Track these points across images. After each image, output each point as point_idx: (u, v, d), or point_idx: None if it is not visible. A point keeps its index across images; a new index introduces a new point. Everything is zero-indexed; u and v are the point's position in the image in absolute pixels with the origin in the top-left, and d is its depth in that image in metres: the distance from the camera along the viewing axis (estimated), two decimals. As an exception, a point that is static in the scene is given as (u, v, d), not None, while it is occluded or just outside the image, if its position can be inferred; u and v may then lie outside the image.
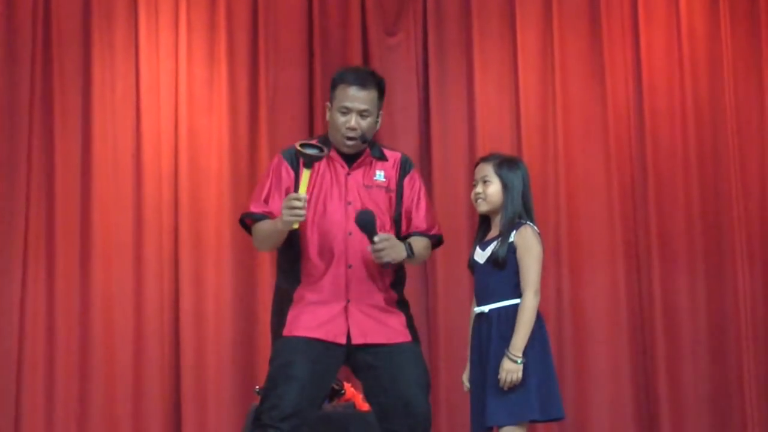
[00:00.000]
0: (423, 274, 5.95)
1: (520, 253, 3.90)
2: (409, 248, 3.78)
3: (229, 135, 5.85)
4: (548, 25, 6.11)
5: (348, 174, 3.82)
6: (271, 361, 3.79)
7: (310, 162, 3.65)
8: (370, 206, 3.77)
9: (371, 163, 3.88)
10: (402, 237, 3.87)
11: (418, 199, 3.91)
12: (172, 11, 5.87)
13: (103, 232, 5.70)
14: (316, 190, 3.80)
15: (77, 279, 5.66)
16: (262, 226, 3.80)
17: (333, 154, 3.84)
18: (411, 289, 5.88)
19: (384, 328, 3.78)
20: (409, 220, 3.91)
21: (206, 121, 5.86)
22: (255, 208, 3.84)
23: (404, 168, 3.93)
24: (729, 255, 6.03)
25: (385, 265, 3.70)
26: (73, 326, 5.63)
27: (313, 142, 3.76)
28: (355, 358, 3.78)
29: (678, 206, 6.06)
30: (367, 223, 3.69)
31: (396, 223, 3.89)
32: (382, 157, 3.91)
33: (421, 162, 5.99)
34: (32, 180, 5.69)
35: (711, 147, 6.12)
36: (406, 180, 3.91)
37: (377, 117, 3.89)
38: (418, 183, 3.94)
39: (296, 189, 3.71)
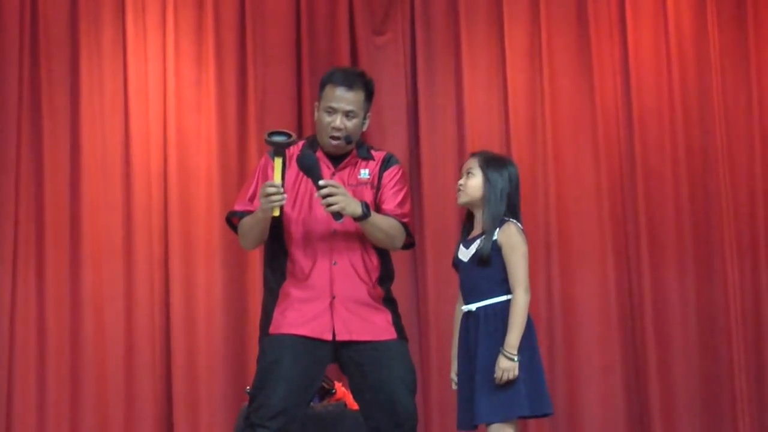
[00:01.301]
0: (413, 273, 5.96)
1: (506, 252, 3.91)
2: (366, 208, 3.72)
3: (218, 135, 5.85)
4: (536, 24, 6.12)
5: (333, 174, 3.82)
6: (259, 359, 3.80)
7: (279, 150, 3.64)
8: None
9: (357, 163, 3.88)
10: None
11: (396, 189, 3.88)
12: (159, 13, 5.86)
13: (93, 234, 5.70)
14: (302, 189, 3.81)
15: (67, 280, 5.65)
16: (245, 221, 3.81)
17: (319, 154, 3.84)
18: (400, 288, 5.91)
19: (369, 325, 3.78)
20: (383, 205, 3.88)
21: (195, 121, 5.86)
22: (240, 207, 3.86)
23: (386, 163, 3.91)
24: (718, 250, 6.04)
25: (336, 217, 3.65)
26: (63, 328, 5.62)
27: (284, 130, 3.71)
28: (342, 354, 3.79)
29: (667, 203, 6.07)
30: (308, 166, 3.66)
31: None
32: (369, 157, 3.90)
33: (410, 161, 6.00)
34: (21, 182, 5.69)
35: (699, 144, 6.14)
36: (386, 173, 3.89)
37: (364, 118, 3.89)
38: (398, 176, 3.91)
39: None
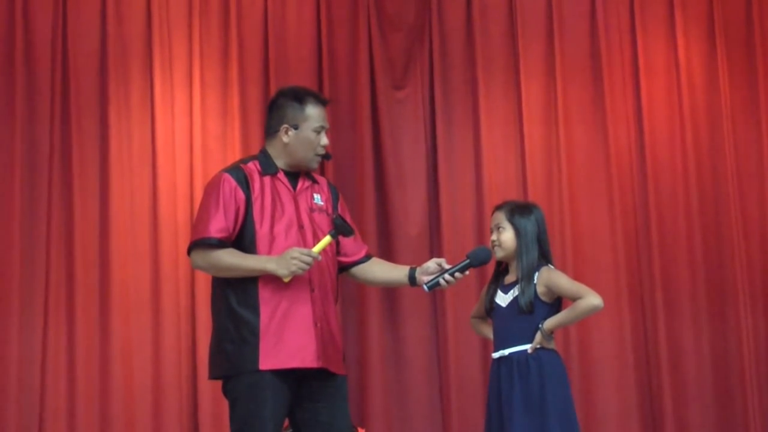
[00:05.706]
0: (433, 321, 6.05)
1: (556, 286, 4.04)
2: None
3: (244, 189, 5.94)
4: (551, 77, 6.26)
5: (295, 197, 3.83)
6: (242, 398, 3.72)
7: (343, 233, 3.75)
8: (317, 230, 3.80)
9: (311, 185, 3.92)
10: (357, 261, 3.98)
11: (353, 224, 3.95)
12: (185, 69, 5.98)
13: (122, 284, 5.77)
14: (268, 213, 3.77)
15: (97, 331, 5.72)
16: (228, 258, 3.69)
17: (281, 174, 3.85)
18: (420, 336, 6.01)
19: (338, 356, 3.82)
20: (359, 246, 3.99)
21: (221, 175, 5.94)
22: (217, 234, 3.70)
23: (335, 194, 4.01)
24: (731, 297, 6.16)
25: (433, 288, 3.82)
26: (93, 378, 5.69)
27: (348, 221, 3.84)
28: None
29: (681, 251, 6.19)
30: (483, 262, 3.86)
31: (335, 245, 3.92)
32: (314, 181, 3.96)
33: (429, 211, 6.12)
34: (52, 234, 5.76)
35: (712, 193, 6.26)
36: (340, 204, 3.99)
37: None
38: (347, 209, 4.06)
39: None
